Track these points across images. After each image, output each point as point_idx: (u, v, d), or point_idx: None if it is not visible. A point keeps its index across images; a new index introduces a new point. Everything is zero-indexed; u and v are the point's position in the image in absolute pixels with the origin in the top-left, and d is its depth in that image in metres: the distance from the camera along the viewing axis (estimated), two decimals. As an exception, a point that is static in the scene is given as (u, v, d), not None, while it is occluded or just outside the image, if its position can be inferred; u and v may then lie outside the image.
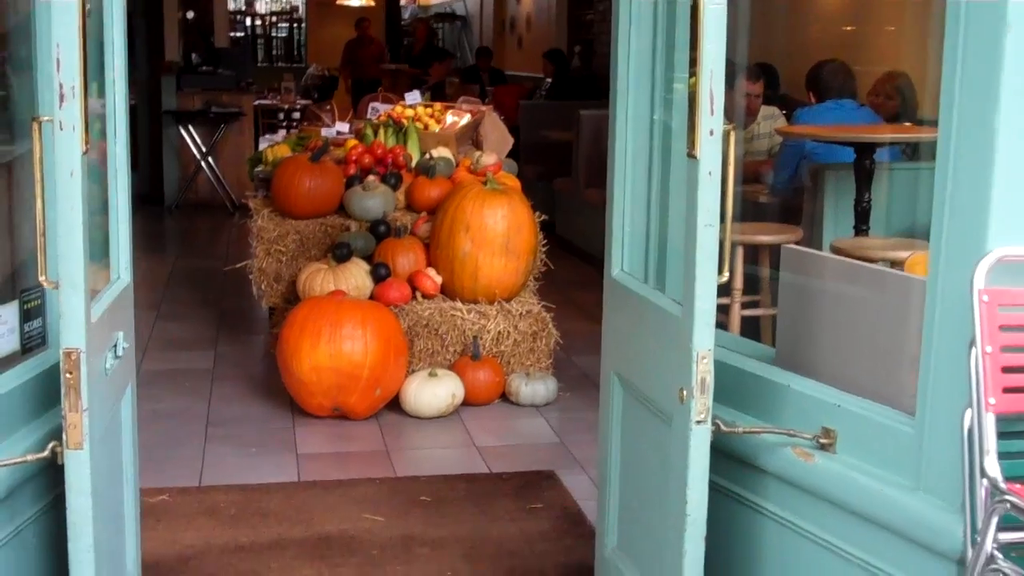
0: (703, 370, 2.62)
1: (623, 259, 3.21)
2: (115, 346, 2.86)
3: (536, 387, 5.28)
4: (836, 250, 4.48)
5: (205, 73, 11.37)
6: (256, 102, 12.35)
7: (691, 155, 2.60)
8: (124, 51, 2.99)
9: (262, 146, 7.47)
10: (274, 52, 22.39)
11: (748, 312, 4.99)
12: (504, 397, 5.35)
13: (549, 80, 11.79)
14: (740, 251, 4.85)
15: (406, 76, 13.63)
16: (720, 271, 2.65)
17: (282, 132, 7.86)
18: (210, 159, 11.19)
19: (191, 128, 11.14)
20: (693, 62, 2.58)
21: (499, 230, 5.34)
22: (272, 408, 5.21)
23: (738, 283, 4.85)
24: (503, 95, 11.87)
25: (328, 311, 4.93)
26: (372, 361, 4.90)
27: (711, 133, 2.56)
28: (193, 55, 11.82)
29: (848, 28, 7.85)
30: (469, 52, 17.35)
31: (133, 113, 12.37)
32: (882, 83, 6.07)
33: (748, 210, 5.76)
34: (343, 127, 7.43)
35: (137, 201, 11.34)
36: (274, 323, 5.85)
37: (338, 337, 4.87)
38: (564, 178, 9.18)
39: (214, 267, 8.12)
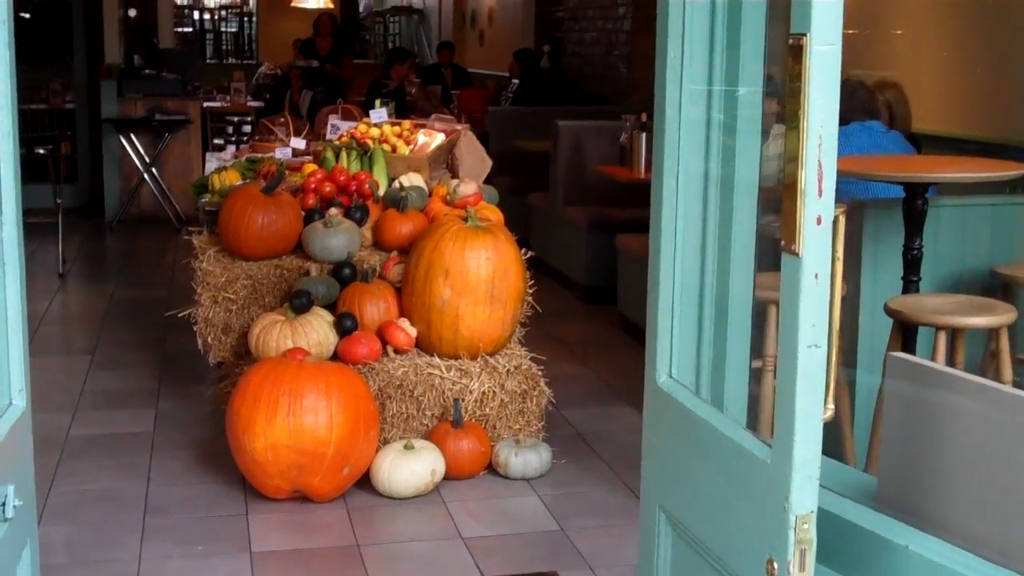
0: (803, 539, 1.93)
1: (671, 362, 2.49)
2: (2, 505, 2.12)
3: (528, 457, 4.57)
4: (893, 312, 3.80)
5: (148, 77, 10.56)
6: (204, 104, 11.54)
7: (789, 251, 1.90)
8: (9, 70, 2.05)
9: (208, 165, 6.69)
10: (224, 47, 21.50)
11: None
12: (491, 467, 4.64)
13: (516, 81, 11.08)
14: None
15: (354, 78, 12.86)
16: (824, 402, 1.97)
17: (231, 149, 7.10)
18: (154, 170, 10.39)
19: (133, 137, 10.33)
20: (791, 120, 1.89)
21: (483, 275, 4.62)
22: (221, 486, 4.47)
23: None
24: (469, 99, 11.16)
25: (286, 378, 4.19)
26: (338, 436, 4.18)
27: (818, 221, 1.87)
28: (136, 57, 10.99)
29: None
30: (428, 49, 16.60)
31: (71, 120, 11.59)
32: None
33: (766, 251, 5.08)
34: (299, 143, 6.67)
35: (76, 215, 10.54)
36: (223, 374, 5.10)
37: (298, 410, 4.14)
38: (540, 192, 8.47)
39: (157, 298, 7.34)
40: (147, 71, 10.60)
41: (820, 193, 1.86)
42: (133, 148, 10.33)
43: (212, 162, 6.95)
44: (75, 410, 5.32)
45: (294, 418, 4.13)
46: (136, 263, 8.92)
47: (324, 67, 12.18)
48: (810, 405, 1.92)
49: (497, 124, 9.51)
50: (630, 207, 7.47)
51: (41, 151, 8.46)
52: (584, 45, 10.83)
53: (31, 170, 10.29)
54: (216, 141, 10.38)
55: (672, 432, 2.44)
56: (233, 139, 7.41)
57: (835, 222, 1.92)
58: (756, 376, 3.56)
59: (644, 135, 6.98)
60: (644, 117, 7.06)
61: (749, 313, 2.43)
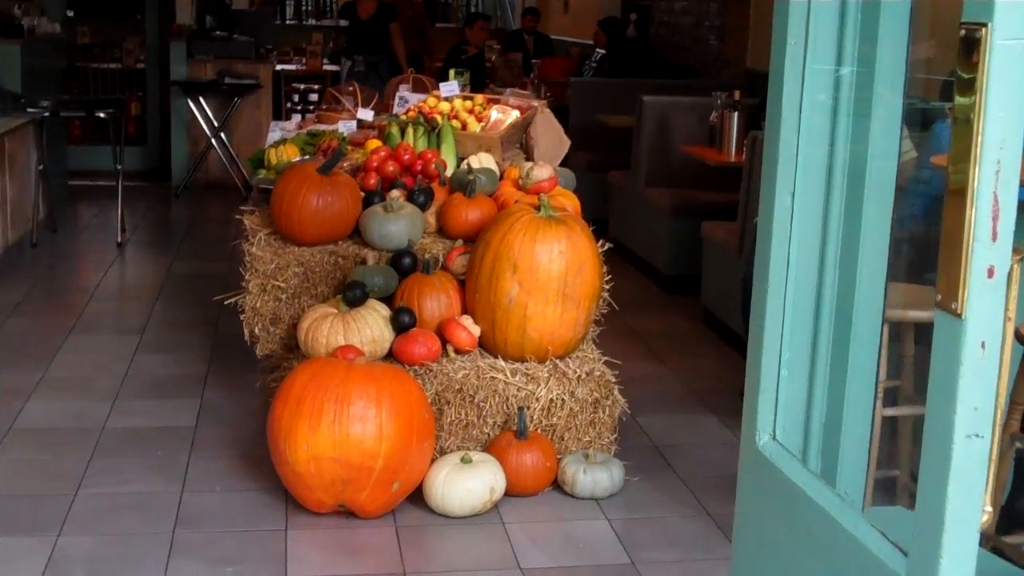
0: None
1: (775, 422, 2.03)
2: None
3: (597, 476, 4.13)
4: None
5: (219, 39, 10.21)
6: (278, 66, 11.19)
7: (947, 309, 1.44)
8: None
9: (271, 136, 6.31)
10: (304, 7, 21.15)
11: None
12: (556, 484, 4.21)
13: (601, 51, 10.55)
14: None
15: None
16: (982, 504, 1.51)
17: (295, 118, 6.71)
18: (223, 135, 10.06)
19: (202, 100, 10.00)
20: (960, 130, 1.43)
21: (555, 271, 4.18)
22: (262, 494, 4.09)
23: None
24: (550, 68, 10.67)
25: (333, 382, 3.79)
26: (389, 449, 3.77)
27: (990, 273, 1.41)
28: (207, 17, 10.64)
29: None
30: (511, 14, 16.07)
31: (142, 81, 11.31)
32: None
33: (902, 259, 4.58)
34: (366, 114, 6.26)
35: (143, 178, 10.27)
36: (274, 364, 4.71)
37: (345, 418, 3.74)
38: (621, 171, 7.98)
39: (216, 272, 7.00)
40: (218, 32, 10.25)
41: (994, 236, 1.40)
42: (201, 112, 10.01)
43: (275, 132, 6.58)
44: (115, 398, 4.97)
45: (340, 427, 3.73)
46: (198, 233, 8.59)
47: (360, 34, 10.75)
48: (965, 510, 1.47)
49: (578, 96, 9.01)
50: (717, 191, 6.99)
51: (102, 115, 8.11)
52: (673, 14, 10.28)
53: (101, 131, 10.04)
54: (289, 105, 10.03)
55: (773, 509, 1.98)
56: (299, 108, 7.01)
57: (1009, 273, 1.46)
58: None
59: (736, 114, 6.47)
60: (737, 95, 6.53)
61: (875, 359, 1.96)
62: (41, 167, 7.85)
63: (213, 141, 10.01)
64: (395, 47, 10.40)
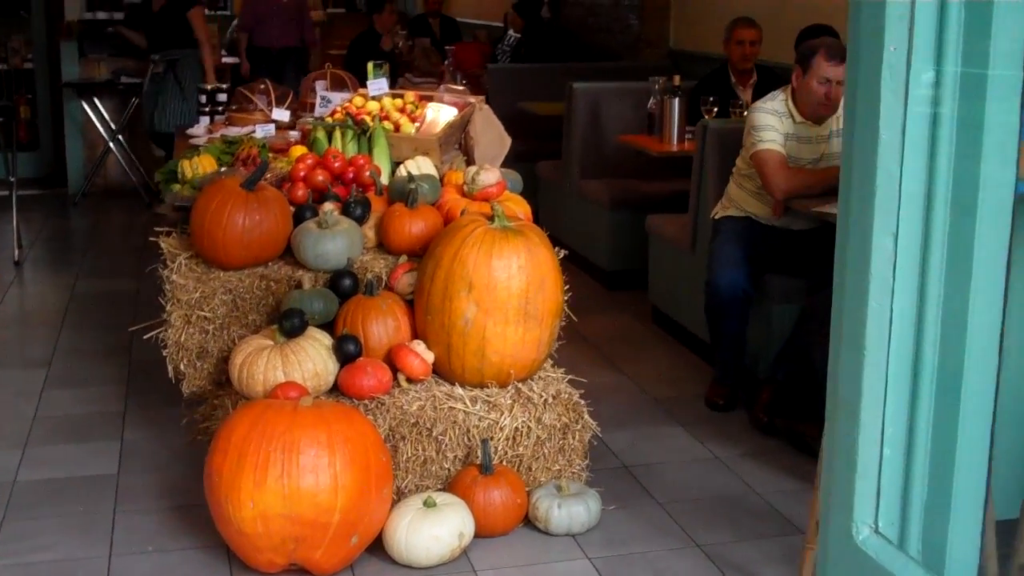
0: None
1: (877, 511, 1.67)
2: None
3: (573, 510, 3.76)
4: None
5: (112, 35, 9.59)
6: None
7: None
8: None
9: (176, 149, 5.80)
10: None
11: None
12: (527, 521, 3.83)
13: (515, 34, 10.15)
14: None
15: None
16: None
17: (204, 122, 6.21)
18: (120, 138, 9.48)
19: (97, 102, 9.40)
20: None
21: (514, 288, 3.79)
22: (200, 554, 3.65)
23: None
24: (465, 55, 10.23)
25: (278, 428, 3.36)
26: (346, 501, 3.36)
27: None
28: (98, 13, 10.02)
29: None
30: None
31: (30, 82, 10.63)
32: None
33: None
34: (282, 115, 5.80)
35: (37, 185, 9.64)
36: (198, 397, 4.26)
37: (295, 469, 3.31)
38: (550, 161, 7.61)
39: (125, 291, 6.50)
40: (111, 29, 9.63)
41: None
42: (97, 114, 9.42)
43: (181, 138, 6.08)
44: (25, 444, 4.48)
45: (289, 480, 3.31)
46: (102, 245, 8.01)
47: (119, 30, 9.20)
48: None
49: (497, 83, 8.61)
50: (658, 181, 6.66)
51: (-9, 119, 7.50)
52: (588, -7, 9.93)
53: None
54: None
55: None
56: (207, 109, 6.52)
57: None
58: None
59: (676, 100, 6.12)
60: (677, 80, 6.19)
61: (987, 429, 1.62)
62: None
63: (111, 144, 9.43)
64: (198, 39, 8.57)
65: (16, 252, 7.33)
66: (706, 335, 5.23)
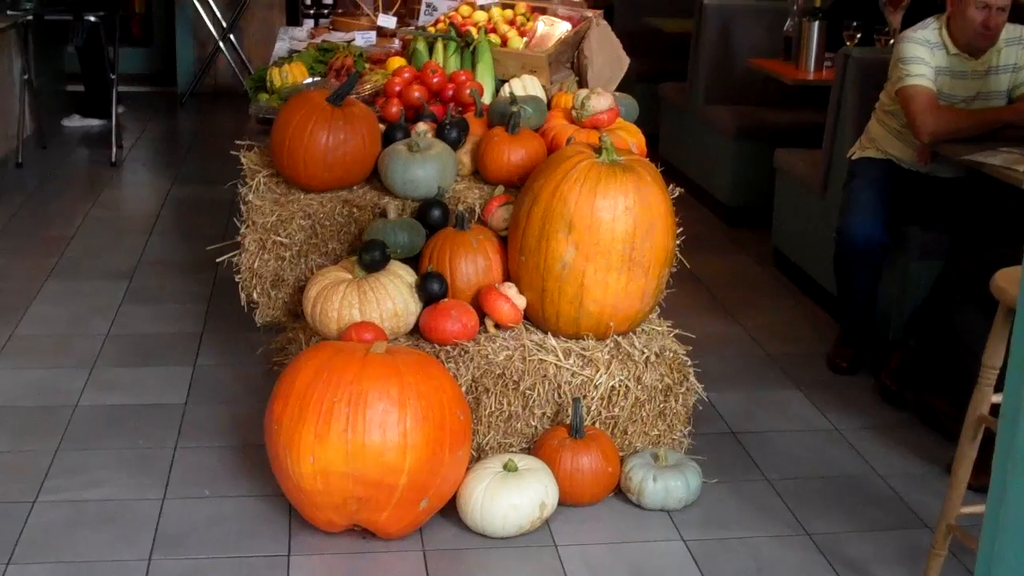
0: None
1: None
2: None
3: (670, 484, 3.37)
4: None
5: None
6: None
7: None
8: None
9: (278, 46, 5.45)
10: None
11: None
12: (618, 490, 3.46)
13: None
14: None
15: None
16: None
17: (307, 25, 5.85)
18: (231, 38, 9.19)
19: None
20: None
21: (619, 232, 3.37)
22: (258, 504, 3.35)
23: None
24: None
25: (345, 377, 3.02)
26: (415, 462, 3.02)
27: None
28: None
29: None
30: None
31: (144, -23, 10.38)
32: None
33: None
34: (388, 21, 5.41)
35: (147, 82, 9.44)
36: (278, 325, 3.94)
37: (360, 424, 2.98)
38: (675, 83, 7.08)
39: (221, 200, 6.19)
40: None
41: None
42: (208, 12, 9.13)
43: (283, 41, 5.73)
44: (93, 365, 4.23)
45: (354, 436, 2.97)
46: (204, 150, 7.74)
47: None
48: None
49: (623, -4, 8.08)
50: (790, 111, 6.13)
51: (92, 18, 7.19)
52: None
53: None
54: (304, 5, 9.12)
55: None
56: (312, 11, 6.17)
57: None
58: None
59: (816, 24, 5.57)
60: (818, 0, 5.63)
61: None
62: (27, 76, 7.03)
63: (221, 44, 9.15)
64: None
65: (114, 152, 7.10)
66: (833, 287, 4.75)
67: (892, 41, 5.35)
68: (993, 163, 3.84)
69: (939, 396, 3.89)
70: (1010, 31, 4.25)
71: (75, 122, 7.95)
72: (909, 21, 5.37)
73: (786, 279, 5.37)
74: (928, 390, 3.97)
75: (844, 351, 4.40)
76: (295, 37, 5.71)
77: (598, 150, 3.47)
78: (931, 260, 4.25)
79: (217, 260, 3.95)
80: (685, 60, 6.85)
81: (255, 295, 3.79)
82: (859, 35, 5.51)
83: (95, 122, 7.88)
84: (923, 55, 4.19)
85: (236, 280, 3.80)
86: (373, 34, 5.10)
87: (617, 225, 3.37)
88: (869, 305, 4.36)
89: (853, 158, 4.53)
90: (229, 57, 9.18)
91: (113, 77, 7.37)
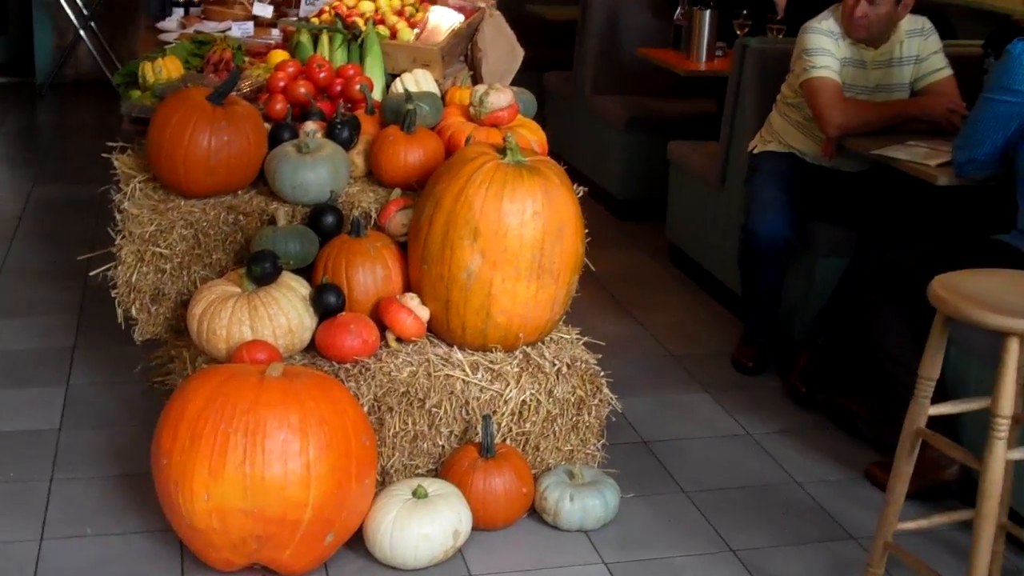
0: None
1: None
2: None
3: (588, 503, 3.20)
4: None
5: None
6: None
7: None
8: None
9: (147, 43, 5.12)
10: None
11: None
12: (531, 510, 3.28)
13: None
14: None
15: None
16: None
17: (177, 14, 5.53)
18: (93, 25, 8.73)
19: (66, -16, 8.65)
20: None
21: (528, 238, 3.19)
22: (146, 541, 3.09)
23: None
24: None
25: (240, 406, 2.77)
26: (320, 494, 2.79)
27: None
28: None
29: None
30: None
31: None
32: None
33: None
34: (264, 10, 5.11)
35: (4, 72, 8.94)
36: (159, 339, 3.66)
37: (259, 456, 2.74)
38: (559, 72, 6.93)
39: (87, 199, 5.82)
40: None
41: None
42: (67, -2, 8.66)
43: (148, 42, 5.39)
44: (-45, 387, 3.90)
45: (252, 468, 2.74)
46: (67, 145, 7.30)
47: None
48: None
49: (503, -18, 7.87)
50: (681, 101, 6.02)
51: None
52: None
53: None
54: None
55: None
56: (181, -1, 5.83)
57: None
58: None
59: (708, 12, 5.45)
60: (710, -13, 5.52)
61: None
62: None
63: (82, 32, 8.69)
64: None
65: (-32, 150, 6.67)
66: (732, 282, 4.65)
67: (778, 30, 5.27)
68: (902, 157, 3.75)
69: (852, 398, 3.80)
70: (912, 22, 4.17)
71: None
72: (794, 9, 5.31)
73: (682, 274, 5.26)
74: (840, 392, 3.87)
75: (749, 350, 4.29)
76: (164, 28, 5.38)
77: (502, 150, 3.28)
78: (838, 256, 4.15)
79: (90, 273, 3.64)
80: (570, 48, 6.70)
81: (134, 311, 3.50)
82: (750, 23, 5.42)
83: None
84: (828, 46, 4.09)
85: (112, 295, 3.50)
86: (251, 24, 4.81)
87: (525, 231, 3.18)
88: (774, 303, 4.26)
89: (755, 152, 4.42)
90: (91, 46, 8.73)
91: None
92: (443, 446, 3.26)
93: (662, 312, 4.81)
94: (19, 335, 4.32)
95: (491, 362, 3.28)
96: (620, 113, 5.98)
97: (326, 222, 3.43)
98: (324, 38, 4.13)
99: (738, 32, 5.45)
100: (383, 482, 3.18)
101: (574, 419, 3.35)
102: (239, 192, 3.55)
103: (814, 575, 3.07)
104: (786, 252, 4.14)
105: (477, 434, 3.23)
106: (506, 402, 3.25)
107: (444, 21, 4.22)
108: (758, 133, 4.47)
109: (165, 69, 4.05)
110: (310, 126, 3.63)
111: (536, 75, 7.08)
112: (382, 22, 4.23)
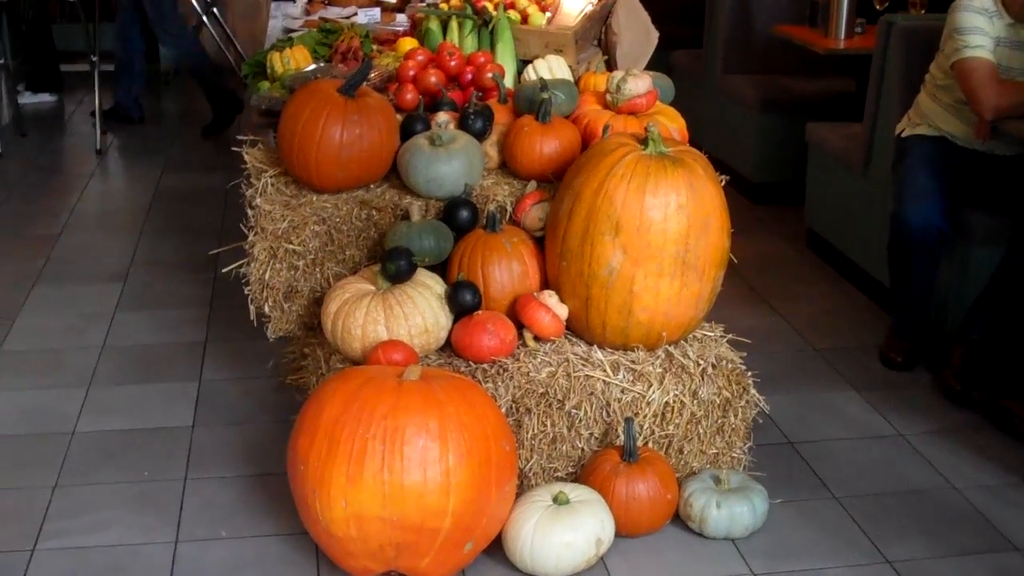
0: None
1: None
2: None
3: (735, 510, 3.06)
4: None
5: None
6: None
7: None
8: None
9: (272, 25, 5.08)
10: None
11: None
12: (675, 516, 3.14)
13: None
14: None
15: None
16: None
17: (301, 1, 5.47)
18: (215, 11, 8.75)
19: (191, -29, 8.67)
20: None
21: (672, 233, 3.05)
22: (283, 545, 3.03)
23: None
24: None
25: (378, 411, 2.69)
26: (460, 502, 2.70)
27: None
28: None
29: None
30: None
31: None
32: None
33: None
34: (391, -3, 5.03)
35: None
36: (291, 336, 3.61)
37: (398, 463, 2.66)
38: (688, 50, 6.73)
39: (214, 188, 5.85)
40: None
41: None
42: (191, -16, 8.69)
43: (276, 18, 5.34)
44: (90, 384, 3.89)
45: (391, 476, 2.65)
46: (192, 132, 7.33)
47: None
48: None
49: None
50: (816, 81, 5.80)
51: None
52: None
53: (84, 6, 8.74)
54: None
55: None
56: (307, -16, 5.77)
57: None
58: None
59: (848, -12, 5.23)
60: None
61: None
62: (2, 61, 6.63)
63: (205, 18, 8.70)
64: None
65: (98, 139, 6.71)
66: (877, 271, 4.44)
67: (919, 6, 5.03)
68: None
69: (1014, 398, 3.59)
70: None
71: (26, 98, 7.59)
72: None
73: (821, 261, 5.05)
74: (1001, 391, 3.66)
75: (899, 345, 4.09)
76: (289, 14, 5.32)
77: (643, 141, 3.14)
78: (993, 246, 3.93)
79: (222, 270, 3.59)
80: (698, 25, 6.51)
81: (266, 308, 3.45)
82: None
83: (46, 97, 7.57)
84: (981, 24, 3.86)
85: (245, 292, 3.45)
86: (377, 10, 4.73)
87: (669, 225, 3.04)
88: (926, 295, 4.05)
89: (903, 135, 4.20)
90: (213, 32, 8.76)
91: (95, 58, 6.96)
92: (583, 449, 3.14)
93: (803, 303, 4.63)
94: (151, 329, 4.32)
95: (632, 362, 3.15)
96: (754, 94, 5.78)
97: (461, 217, 3.33)
98: (453, 24, 4.02)
99: (877, 6, 5.23)
100: (521, 485, 3.07)
101: (719, 421, 3.20)
102: (371, 186, 3.47)
103: (979, 590, 2.89)
104: (939, 241, 3.93)
105: (618, 437, 3.11)
106: (648, 404, 3.12)
107: (576, 4, 4.09)
108: (906, 115, 4.25)
109: (293, 59, 3.99)
110: (442, 117, 3.53)
111: (663, 53, 6.89)
112: (512, 6, 4.11)
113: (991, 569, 2.97)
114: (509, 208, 3.39)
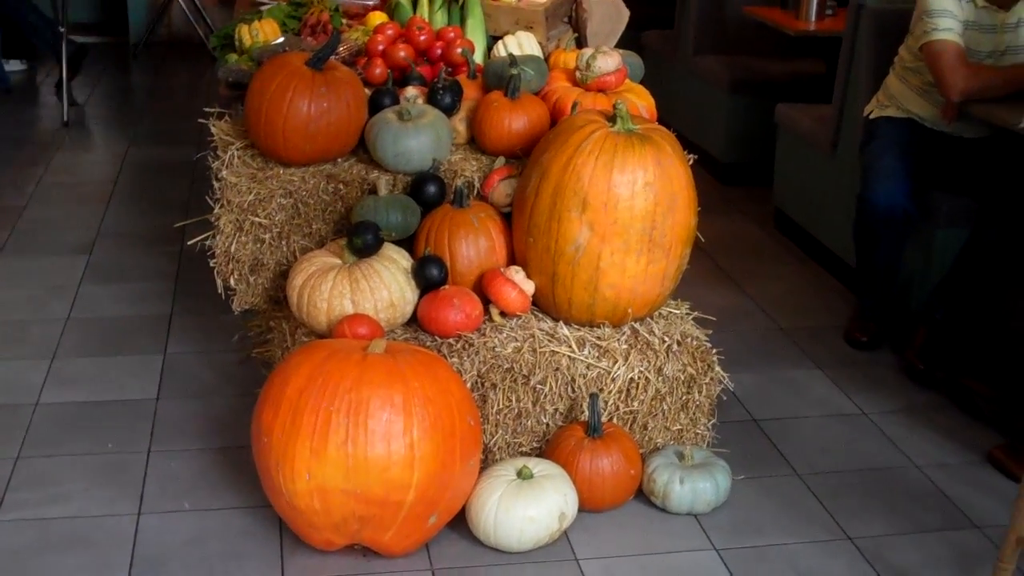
0: None
1: None
2: None
3: (698, 486, 3.08)
4: None
5: None
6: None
7: None
8: None
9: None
10: None
11: None
12: (640, 493, 3.16)
13: None
14: None
15: None
16: None
17: (272, -26, 5.43)
18: (186, -16, 8.72)
19: (160, -59, 8.63)
20: None
21: (639, 210, 3.05)
22: (246, 518, 3.03)
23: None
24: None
25: (342, 384, 2.69)
26: (424, 475, 2.70)
27: None
28: None
29: None
30: None
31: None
32: None
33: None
34: (360, -29, 5.00)
35: (97, 31, 8.93)
36: (257, 309, 3.60)
37: (362, 436, 2.66)
38: (658, 31, 6.74)
39: (182, 162, 5.82)
40: None
41: None
42: (160, -45, 8.64)
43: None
44: (53, 356, 3.87)
45: (355, 448, 2.65)
46: (160, 106, 7.28)
47: None
48: None
49: (601, -62, 7.67)
50: (786, 62, 5.81)
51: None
52: None
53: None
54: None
55: None
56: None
57: None
58: None
59: (818, -32, 5.24)
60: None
61: None
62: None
63: (174, -9, 8.67)
64: None
65: (65, 111, 6.65)
66: (843, 252, 4.47)
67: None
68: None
69: (976, 378, 3.62)
70: (1037, -15, 3.94)
71: None
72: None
73: (790, 243, 5.08)
74: (963, 371, 3.69)
75: (864, 324, 4.12)
76: (259, -11, 5.28)
77: (611, 118, 3.14)
78: (957, 227, 3.96)
79: (188, 243, 3.57)
80: (669, 5, 6.51)
81: (232, 281, 3.44)
82: (862, -21, 5.19)
83: (17, 65, 7.49)
84: (950, 7, 3.87)
85: (210, 264, 3.43)
86: (348, -16, 4.70)
87: (636, 202, 3.05)
88: (891, 276, 4.08)
89: (871, 117, 4.22)
90: (184, 5, 8.70)
91: (62, 30, 6.90)
92: (547, 424, 3.15)
93: (770, 282, 4.65)
94: (117, 301, 4.30)
95: (598, 338, 3.16)
96: (724, 74, 5.79)
97: (428, 192, 3.32)
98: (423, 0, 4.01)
99: (850, -12, 5.23)
100: (485, 459, 3.08)
101: (684, 398, 3.22)
102: (339, 160, 3.46)
103: (936, 567, 2.92)
104: (904, 222, 3.95)
105: (583, 412, 3.12)
106: (613, 380, 3.14)
107: (547, -19, 4.07)
108: (874, 97, 4.27)
109: (262, 32, 3.97)
110: (411, 91, 3.52)
111: (634, 34, 6.90)
112: (483, -18, 4.09)
113: (951, 546, 3.00)
114: (477, 183, 3.39)
